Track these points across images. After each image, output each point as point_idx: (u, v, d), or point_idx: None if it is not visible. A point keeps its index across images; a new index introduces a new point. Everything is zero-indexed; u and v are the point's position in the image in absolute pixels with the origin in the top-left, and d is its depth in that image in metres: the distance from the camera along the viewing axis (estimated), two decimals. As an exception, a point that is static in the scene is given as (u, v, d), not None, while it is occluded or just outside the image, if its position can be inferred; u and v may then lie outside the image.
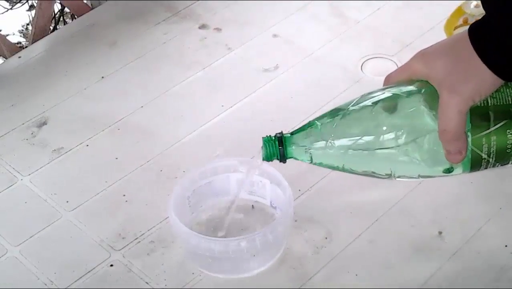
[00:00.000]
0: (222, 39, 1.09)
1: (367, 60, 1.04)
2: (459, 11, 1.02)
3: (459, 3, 1.03)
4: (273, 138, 0.77)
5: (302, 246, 0.82)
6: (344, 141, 0.75)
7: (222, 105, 0.98)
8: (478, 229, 0.82)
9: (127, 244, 0.83)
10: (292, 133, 0.77)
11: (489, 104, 0.71)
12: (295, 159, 0.78)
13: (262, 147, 0.77)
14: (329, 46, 1.07)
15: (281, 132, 0.78)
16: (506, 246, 0.80)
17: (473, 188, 0.87)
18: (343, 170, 0.77)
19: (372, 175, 0.77)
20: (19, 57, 1.09)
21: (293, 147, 0.77)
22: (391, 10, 1.12)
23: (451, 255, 0.80)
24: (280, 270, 0.80)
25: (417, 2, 1.12)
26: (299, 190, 0.86)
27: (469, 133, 0.71)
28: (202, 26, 1.12)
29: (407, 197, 0.86)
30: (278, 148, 0.77)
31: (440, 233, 0.82)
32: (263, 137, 0.78)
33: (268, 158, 0.77)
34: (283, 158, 0.77)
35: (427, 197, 0.86)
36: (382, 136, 0.74)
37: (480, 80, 0.69)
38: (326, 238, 0.82)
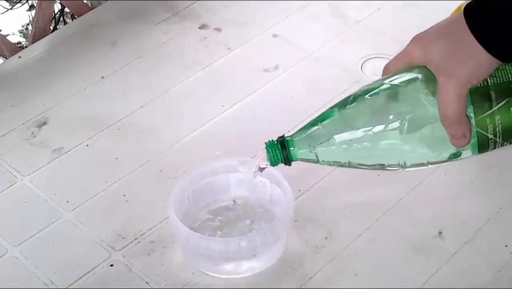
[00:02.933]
0: (222, 39, 1.09)
1: (367, 60, 1.04)
2: (459, 11, 1.02)
3: (459, 3, 1.03)
4: (276, 142, 0.77)
5: (302, 246, 0.82)
6: (347, 136, 0.75)
7: (222, 105, 0.99)
8: (478, 229, 0.82)
9: (127, 244, 0.83)
10: (294, 135, 0.77)
11: (490, 84, 0.71)
12: (301, 160, 0.77)
13: (266, 152, 0.77)
14: (329, 46, 1.07)
15: (283, 136, 0.78)
16: (506, 246, 0.80)
17: (473, 188, 0.87)
18: (350, 165, 0.77)
19: (381, 168, 0.77)
20: (19, 57, 1.09)
21: (297, 149, 0.77)
22: (391, 10, 1.12)
23: (451, 255, 0.80)
24: (280, 270, 0.80)
25: (417, 2, 1.12)
26: (299, 190, 0.86)
27: (472, 115, 0.71)
28: (202, 26, 1.12)
29: (407, 197, 0.86)
30: (281, 152, 0.76)
31: (440, 233, 0.82)
32: (265, 142, 0.78)
33: (273, 163, 0.77)
34: (287, 161, 0.77)
35: (427, 197, 0.86)
36: (385, 127, 0.74)
37: (477, 62, 0.69)
38: (326, 238, 0.82)
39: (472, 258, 0.80)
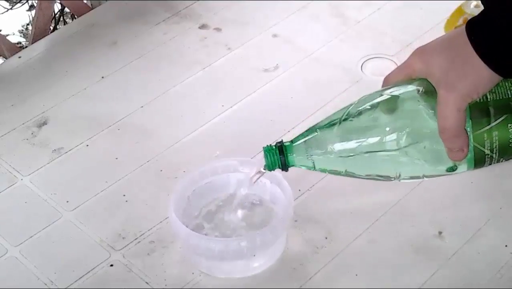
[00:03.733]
0: (222, 39, 1.09)
1: (367, 60, 1.04)
2: (459, 11, 1.03)
3: (459, 3, 1.03)
4: (274, 147, 0.77)
5: (302, 246, 0.82)
6: (345, 146, 0.75)
7: (222, 105, 0.99)
8: (478, 229, 0.82)
9: (127, 244, 0.83)
10: (292, 141, 0.77)
11: (489, 100, 0.71)
12: (298, 166, 0.77)
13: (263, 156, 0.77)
14: (329, 46, 1.07)
15: (281, 141, 0.78)
16: (506, 246, 0.80)
17: (473, 188, 0.87)
18: (346, 174, 0.77)
19: (376, 178, 0.77)
20: (19, 57, 1.09)
21: (294, 155, 0.77)
22: (391, 10, 1.12)
23: (451, 255, 0.80)
24: (280, 270, 0.80)
25: (417, 2, 1.12)
26: (299, 190, 0.86)
27: (470, 130, 0.71)
28: (202, 26, 1.12)
29: (407, 197, 0.86)
30: (279, 157, 0.77)
31: (440, 233, 0.82)
32: (263, 147, 0.78)
33: (270, 168, 0.77)
34: (284, 167, 0.77)
35: (427, 197, 0.86)
36: (383, 139, 0.74)
37: (477, 77, 0.69)
38: (326, 238, 0.82)
39: (472, 258, 0.80)
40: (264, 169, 0.78)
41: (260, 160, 0.78)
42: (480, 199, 0.86)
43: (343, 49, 1.06)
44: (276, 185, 0.82)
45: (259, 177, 0.79)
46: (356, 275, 0.79)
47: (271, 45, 1.08)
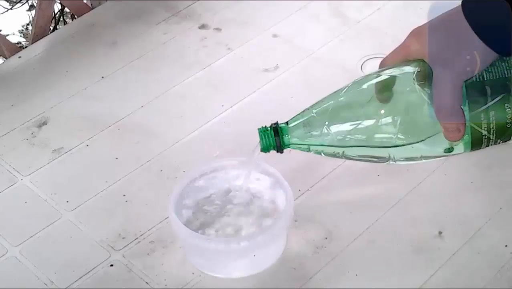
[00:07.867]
0: (222, 39, 1.09)
1: (367, 60, 1.04)
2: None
3: (458, 3, 1.03)
4: (269, 129, 0.77)
5: (302, 246, 0.82)
6: (341, 127, 0.75)
7: (222, 105, 0.99)
8: (478, 229, 0.82)
9: (127, 244, 0.83)
10: (287, 123, 0.77)
11: (485, 79, 0.71)
12: (293, 148, 0.77)
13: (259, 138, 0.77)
14: (329, 46, 1.07)
15: (277, 123, 0.78)
16: (506, 246, 0.80)
17: (473, 188, 0.87)
18: (342, 156, 0.77)
19: (372, 160, 0.77)
20: (19, 57, 1.09)
21: (289, 136, 0.77)
22: (391, 10, 1.12)
23: (451, 255, 0.80)
24: (280, 270, 0.80)
25: (417, 2, 1.12)
26: (299, 190, 0.86)
27: (467, 110, 0.71)
28: (202, 26, 1.12)
29: (407, 196, 0.86)
30: (274, 138, 0.76)
31: (440, 233, 0.82)
32: (258, 128, 0.78)
33: (265, 149, 0.77)
34: (279, 149, 0.77)
35: (427, 197, 0.86)
36: (379, 119, 0.74)
37: (472, 53, 0.69)
38: (326, 238, 0.82)
39: (472, 258, 0.80)
40: (259, 152, 0.78)
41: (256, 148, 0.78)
42: (480, 199, 0.86)
43: (343, 49, 1.06)
44: (276, 185, 0.82)
45: (255, 158, 0.79)
46: (356, 275, 0.79)
47: (271, 45, 1.08)
